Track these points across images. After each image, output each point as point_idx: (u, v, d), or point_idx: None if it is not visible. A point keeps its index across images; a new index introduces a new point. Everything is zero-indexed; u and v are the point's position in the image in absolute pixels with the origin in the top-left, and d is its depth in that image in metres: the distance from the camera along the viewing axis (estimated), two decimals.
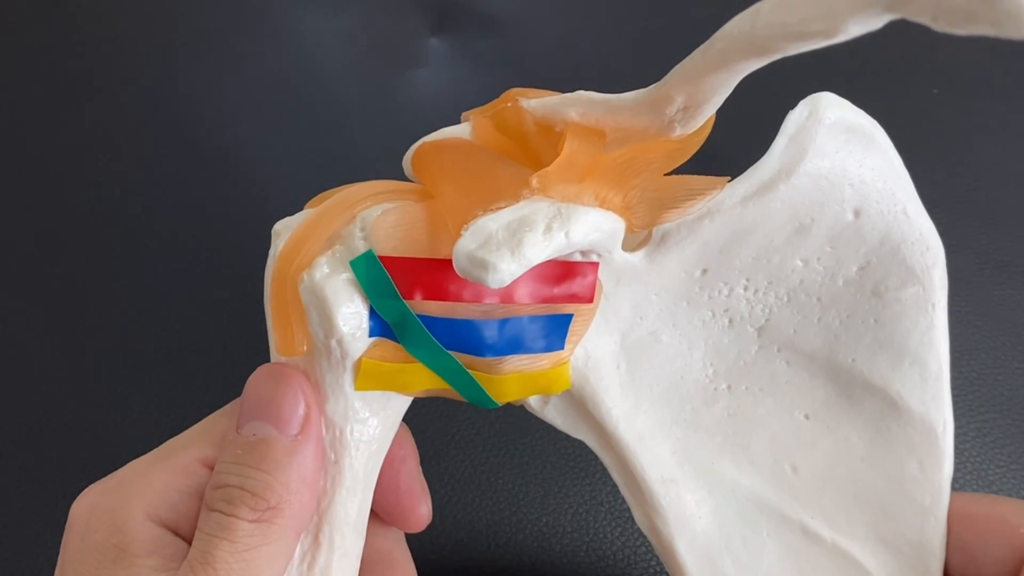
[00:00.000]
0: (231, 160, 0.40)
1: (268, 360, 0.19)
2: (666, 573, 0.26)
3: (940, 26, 0.10)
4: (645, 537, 0.22)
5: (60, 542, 0.18)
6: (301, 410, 0.17)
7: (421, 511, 0.21)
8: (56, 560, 0.18)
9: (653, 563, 0.28)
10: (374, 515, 0.20)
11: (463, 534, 0.28)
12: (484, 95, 0.19)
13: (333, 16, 0.46)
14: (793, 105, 0.17)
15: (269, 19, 0.46)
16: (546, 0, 0.47)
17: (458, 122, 0.20)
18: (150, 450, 0.19)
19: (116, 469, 0.19)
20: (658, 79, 0.15)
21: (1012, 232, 0.36)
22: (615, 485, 0.21)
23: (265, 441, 0.17)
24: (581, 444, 0.21)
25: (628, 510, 0.21)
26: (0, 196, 0.39)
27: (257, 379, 0.18)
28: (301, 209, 0.19)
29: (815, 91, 0.17)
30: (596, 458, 0.21)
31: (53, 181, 0.39)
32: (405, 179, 0.19)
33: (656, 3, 0.46)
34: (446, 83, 0.43)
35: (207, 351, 0.33)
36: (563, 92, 0.17)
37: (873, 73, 0.41)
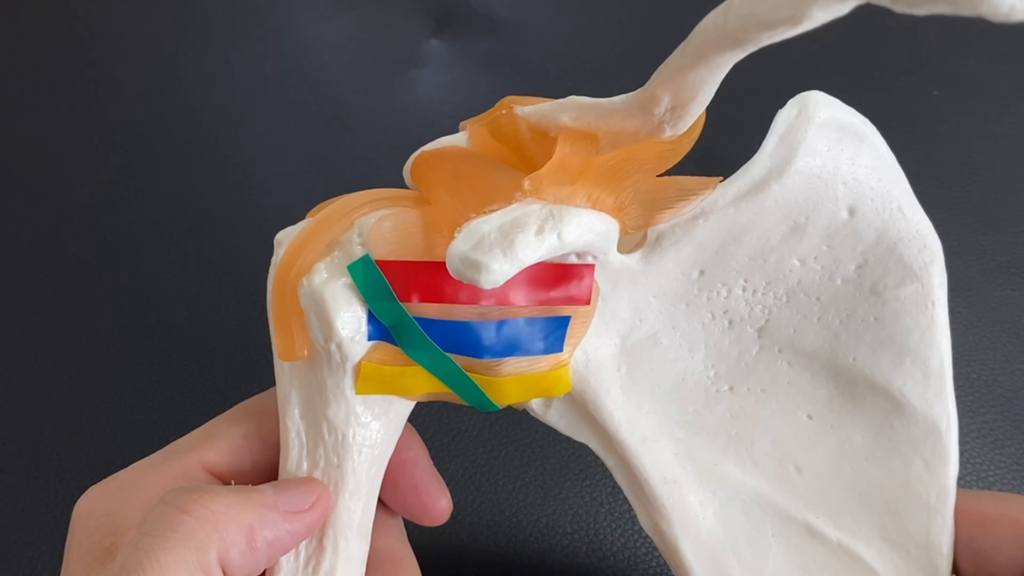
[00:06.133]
0: (232, 161, 0.40)
1: (271, 361, 0.19)
2: (668, 574, 0.26)
3: (900, 7, 0.11)
4: (645, 538, 0.22)
5: (60, 542, 0.18)
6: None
7: (442, 504, 0.22)
8: (57, 560, 0.18)
9: (653, 564, 0.28)
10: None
11: (463, 535, 0.28)
12: (484, 96, 0.19)
13: (333, 17, 0.46)
14: None
15: (270, 21, 0.46)
16: (546, 1, 0.47)
17: (459, 124, 0.20)
18: (151, 451, 0.20)
19: (117, 470, 0.19)
20: None
21: (1012, 232, 0.35)
22: (615, 486, 0.21)
23: None
24: (581, 445, 0.21)
25: (629, 511, 0.21)
26: (0, 197, 0.39)
27: None
28: (301, 208, 0.19)
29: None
30: (596, 459, 0.21)
31: (53, 182, 0.40)
32: (404, 181, 0.20)
33: (656, 4, 0.46)
34: (447, 84, 0.43)
35: (209, 351, 0.33)
36: (563, 94, 0.18)
37: (874, 74, 0.41)
